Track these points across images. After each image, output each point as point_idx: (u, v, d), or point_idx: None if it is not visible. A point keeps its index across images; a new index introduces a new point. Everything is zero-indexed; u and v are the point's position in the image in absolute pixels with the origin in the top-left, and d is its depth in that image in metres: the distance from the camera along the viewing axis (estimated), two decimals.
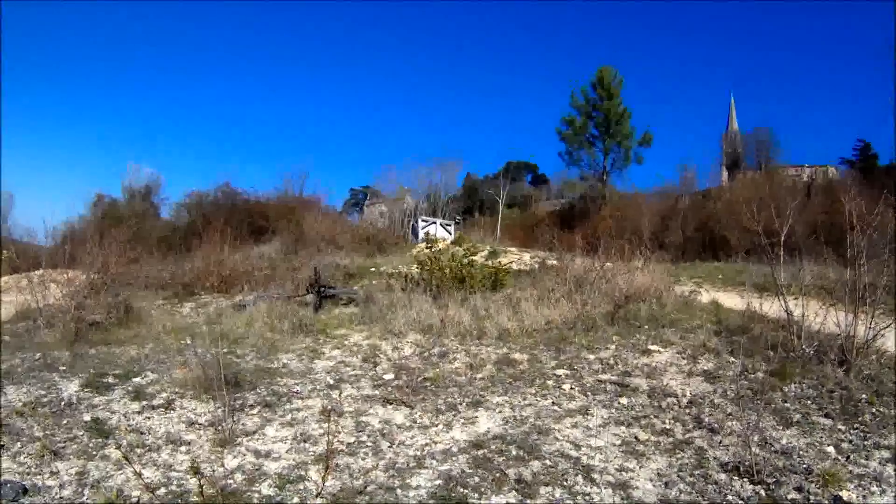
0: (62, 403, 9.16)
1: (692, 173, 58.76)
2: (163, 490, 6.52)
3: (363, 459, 7.46)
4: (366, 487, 6.71)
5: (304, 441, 7.95)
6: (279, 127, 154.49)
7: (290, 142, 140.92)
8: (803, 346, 10.48)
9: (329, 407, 9.10)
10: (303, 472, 7.03)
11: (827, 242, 17.21)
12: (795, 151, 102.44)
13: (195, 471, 5.20)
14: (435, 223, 43.98)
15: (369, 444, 7.93)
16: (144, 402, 9.28)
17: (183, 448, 7.72)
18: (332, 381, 10.49)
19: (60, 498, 6.41)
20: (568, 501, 6.49)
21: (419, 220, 44.80)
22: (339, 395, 9.65)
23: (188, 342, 12.15)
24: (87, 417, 8.59)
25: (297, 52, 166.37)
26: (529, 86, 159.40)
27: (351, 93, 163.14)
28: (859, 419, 8.37)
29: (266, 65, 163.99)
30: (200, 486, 5.22)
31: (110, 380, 10.25)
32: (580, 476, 7.02)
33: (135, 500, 6.35)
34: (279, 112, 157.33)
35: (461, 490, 6.65)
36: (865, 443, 7.76)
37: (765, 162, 68.83)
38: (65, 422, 8.42)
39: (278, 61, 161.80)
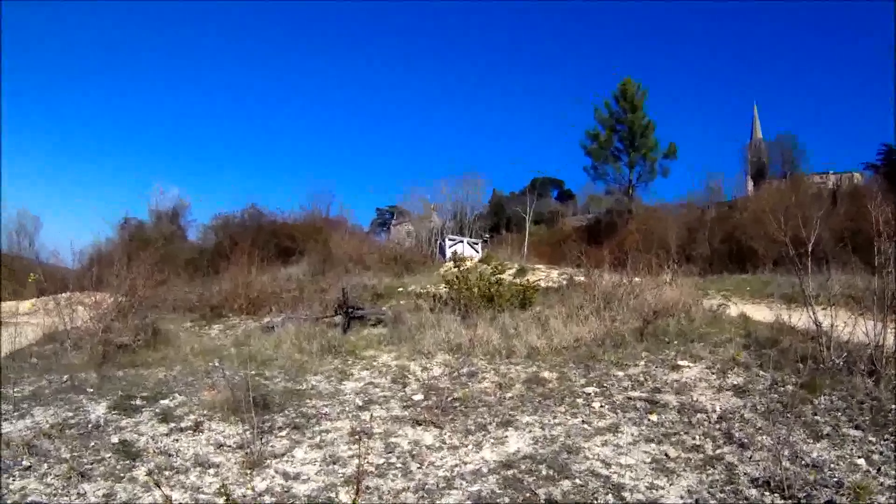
0: (90, 425, 9.18)
1: (718, 184, 58.71)
2: None
3: (393, 481, 7.47)
4: None
5: (334, 463, 7.96)
6: (305, 147, 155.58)
7: (316, 162, 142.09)
8: (832, 358, 10.38)
9: (358, 428, 9.10)
10: (332, 495, 7.03)
11: (854, 250, 17.09)
12: (820, 158, 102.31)
13: (225, 493, 5.18)
14: (462, 241, 43.98)
15: (399, 465, 7.93)
16: (172, 425, 9.29)
17: (211, 470, 7.73)
18: (361, 403, 10.51)
19: None
20: None
21: (446, 239, 44.78)
22: (369, 417, 9.64)
23: (216, 364, 12.26)
24: (114, 439, 8.61)
25: (322, 73, 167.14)
26: (554, 100, 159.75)
27: (377, 112, 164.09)
28: (890, 430, 8.29)
29: (291, 86, 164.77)
30: None
31: (138, 402, 10.28)
32: (611, 495, 7.00)
33: None
34: (304, 132, 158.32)
35: None
36: None
37: (790, 170, 68.61)
38: (92, 444, 8.44)
39: (303, 82, 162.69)
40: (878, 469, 7.35)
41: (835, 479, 7.15)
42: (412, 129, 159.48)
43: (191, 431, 9.04)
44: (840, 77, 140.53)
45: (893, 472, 7.24)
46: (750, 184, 70.86)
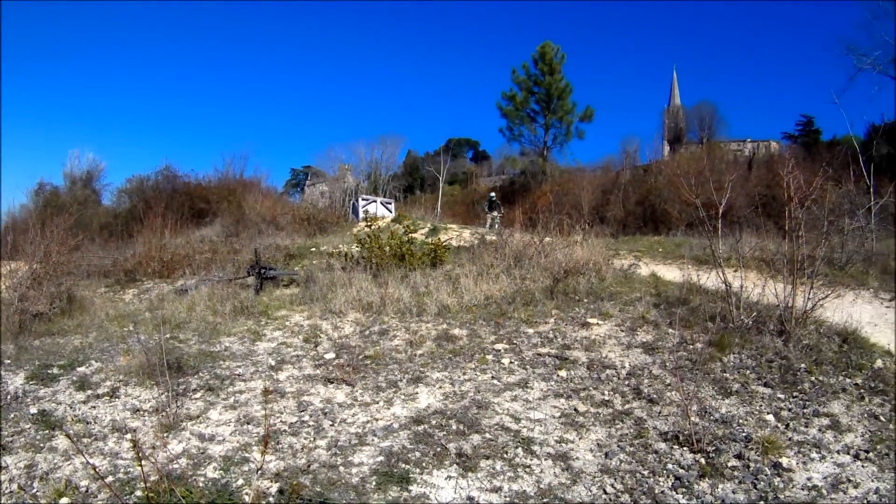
0: (8, 397, 9.12)
1: (634, 148, 60.06)
2: (110, 478, 6.55)
3: (306, 438, 7.58)
4: (309, 466, 6.82)
5: (247, 423, 8.03)
6: (220, 108, 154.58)
7: (232, 123, 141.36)
8: (742, 317, 10.60)
9: (269, 386, 9.25)
10: (247, 454, 7.10)
11: (769, 215, 17.37)
12: (739, 127, 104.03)
13: (137, 458, 5.21)
14: (375, 201, 43.77)
15: (311, 423, 8.03)
16: (89, 392, 9.25)
17: (128, 435, 7.69)
18: (273, 363, 10.51)
19: (10, 492, 6.41)
20: (508, 473, 6.64)
21: (360, 199, 44.47)
22: (281, 376, 9.80)
23: (131, 329, 12.27)
24: (33, 410, 8.56)
25: (236, 33, 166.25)
26: (471, 61, 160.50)
27: (292, 72, 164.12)
28: (798, 388, 8.55)
29: (206, 46, 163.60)
30: (143, 472, 5.26)
31: (55, 371, 10.19)
32: (520, 448, 7.17)
33: (83, 489, 6.39)
34: (220, 93, 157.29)
35: (403, 465, 6.79)
36: (805, 411, 7.95)
37: (707, 136, 69.90)
38: (11, 415, 8.40)
39: (218, 42, 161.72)
40: (787, 425, 7.60)
41: (743, 434, 7.38)
42: (328, 88, 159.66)
43: (108, 398, 9.02)
44: (763, 46, 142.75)
45: (802, 428, 7.50)
46: (666, 148, 72.29)
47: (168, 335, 11.46)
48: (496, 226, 27.97)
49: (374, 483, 6.47)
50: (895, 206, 23.04)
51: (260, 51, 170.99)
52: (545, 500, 6.21)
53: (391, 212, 42.09)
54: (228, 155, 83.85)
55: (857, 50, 31.28)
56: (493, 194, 32.43)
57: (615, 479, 6.58)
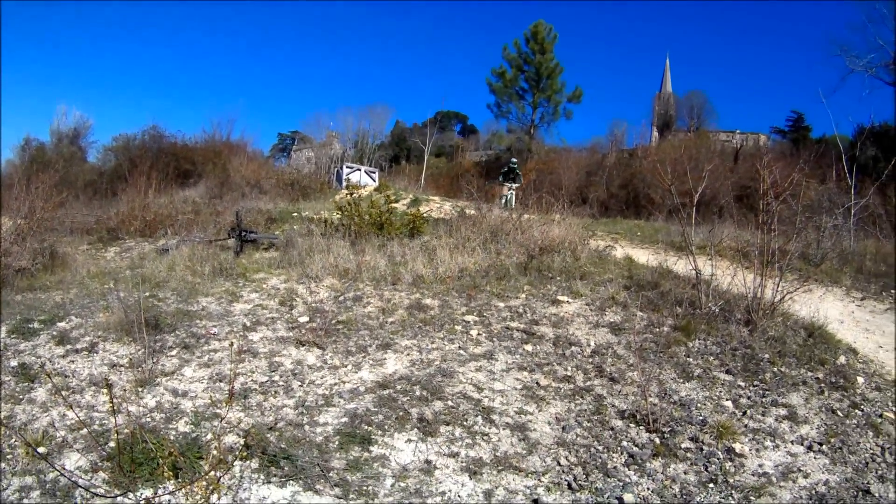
0: None
1: (622, 131, 60.36)
2: (86, 430, 6.70)
3: (275, 397, 7.78)
4: (276, 424, 7.04)
5: (220, 381, 8.20)
6: (211, 70, 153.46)
7: (222, 85, 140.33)
8: (710, 304, 10.73)
9: (241, 345, 9.41)
10: (217, 410, 7.24)
11: (750, 207, 17.43)
12: (729, 119, 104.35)
13: (112, 408, 5.40)
14: (359, 170, 43.62)
15: (281, 383, 8.22)
16: (68, 346, 9.37)
17: (105, 389, 7.79)
18: (248, 323, 10.61)
19: None
20: (466, 440, 6.87)
21: (344, 167, 44.40)
22: (254, 336, 9.92)
23: (111, 286, 12.26)
24: (13, 363, 8.70)
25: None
26: (463, 36, 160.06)
27: (283, 38, 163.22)
28: (759, 377, 8.68)
29: (198, 8, 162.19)
30: (115, 421, 5.44)
31: (36, 325, 10.29)
32: (480, 417, 7.38)
33: (60, 439, 6.58)
34: (211, 54, 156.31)
35: (366, 427, 7.01)
36: (763, 400, 8.10)
37: (696, 125, 70.07)
38: None
39: (210, 4, 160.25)
40: (745, 412, 7.77)
41: (700, 418, 7.57)
42: (319, 55, 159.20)
43: (86, 353, 9.15)
44: (758, 40, 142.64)
45: (759, 417, 7.68)
46: (655, 134, 72.30)
47: (147, 293, 11.58)
48: (512, 202, 26.72)
49: (336, 442, 6.70)
50: (877, 207, 23.24)
51: (253, 14, 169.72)
52: (500, 468, 6.43)
53: (374, 181, 42.05)
54: (217, 117, 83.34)
55: (850, 51, 31.44)
56: (514, 160, 31.07)
57: (570, 451, 6.81)
